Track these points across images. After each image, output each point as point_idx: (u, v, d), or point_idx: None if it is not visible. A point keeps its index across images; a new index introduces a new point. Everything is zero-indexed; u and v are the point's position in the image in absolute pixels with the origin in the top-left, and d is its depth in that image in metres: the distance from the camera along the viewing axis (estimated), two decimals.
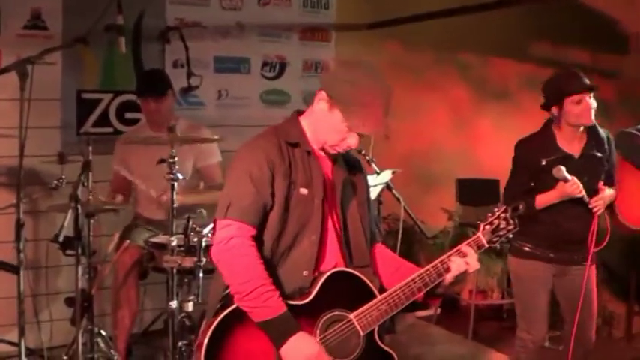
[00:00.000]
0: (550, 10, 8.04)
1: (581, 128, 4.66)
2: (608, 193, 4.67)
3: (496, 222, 3.37)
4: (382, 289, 3.30)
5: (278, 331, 3.03)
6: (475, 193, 7.74)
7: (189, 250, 4.72)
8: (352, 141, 3.22)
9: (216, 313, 3.11)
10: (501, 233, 3.38)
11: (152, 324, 5.82)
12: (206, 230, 4.73)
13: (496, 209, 3.40)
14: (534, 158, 4.62)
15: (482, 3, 6.80)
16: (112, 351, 5.03)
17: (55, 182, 4.84)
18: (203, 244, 4.67)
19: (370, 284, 3.25)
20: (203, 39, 6.60)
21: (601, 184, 4.67)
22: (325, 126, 3.22)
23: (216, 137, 5.36)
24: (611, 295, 6.37)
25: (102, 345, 4.98)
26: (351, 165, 3.47)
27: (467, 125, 8.20)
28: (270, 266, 3.13)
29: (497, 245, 3.42)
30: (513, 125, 8.17)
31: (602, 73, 4.68)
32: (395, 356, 3.26)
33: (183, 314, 4.83)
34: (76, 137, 5.98)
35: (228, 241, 3.07)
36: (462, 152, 8.01)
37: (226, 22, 6.81)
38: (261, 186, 3.13)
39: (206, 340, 3.01)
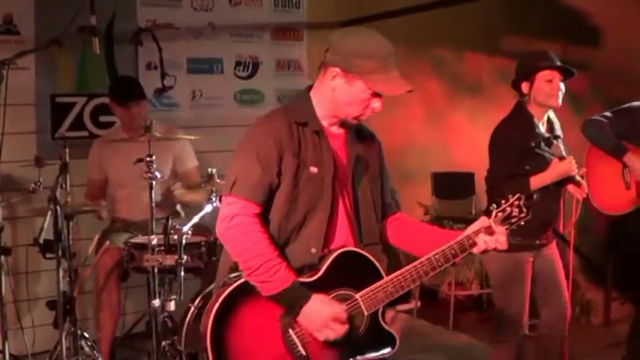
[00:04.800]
0: (521, 4, 8.11)
1: (545, 115, 4.67)
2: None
3: (508, 209, 3.35)
4: (413, 258, 3.29)
5: (291, 301, 3.08)
6: (450, 186, 7.79)
7: (170, 249, 4.73)
8: (377, 104, 3.23)
9: (225, 284, 3.19)
10: (513, 221, 3.36)
11: (134, 326, 5.82)
12: (186, 228, 4.74)
13: (510, 196, 3.36)
14: (519, 142, 4.55)
15: None
16: (95, 353, 5.02)
17: (33, 186, 4.83)
18: (183, 242, 4.68)
19: (378, 265, 3.27)
20: (175, 40, 6.61)
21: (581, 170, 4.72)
22: (346, 100, 3.23)
23: (191, 136, 5.37)
24: (588, 282, 6.43)
25: (86, 349, 4.97)
26: (364, 137, 3.47)
27: (441, 119, 8.25)
28: (279, 244, 3.18)
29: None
30: (487, 119, 8.15)
31: (573, 65, 4.70)
32: (397, 338, 3.28)
33: (165, 314, 4.84)
34: (52, 141, 5.95)
35: (232, 219, 3.11)
36: (437, 146, 8.06)
37: (198, 23, 6.83)
38: (267, 165, 3.16)
39: (216, 306, 3.05)
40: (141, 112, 5.55)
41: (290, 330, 3.11)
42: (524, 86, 4.61)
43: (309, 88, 3.38)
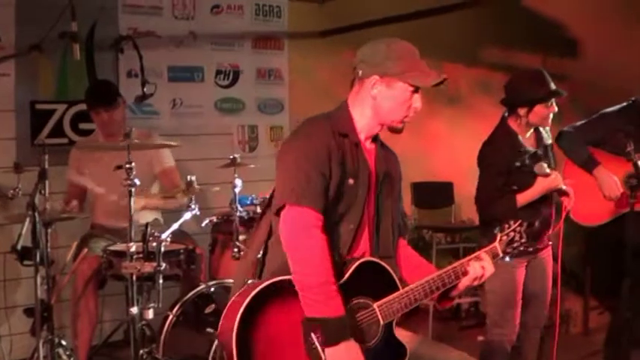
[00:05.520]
0: (500, 15, 8.15)
1: (532, 128, 4.78)
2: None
3: (512, 234, 3.56)
4: (402, 282, 3.39)
5: (332, 332, 3.06)
6: (430, 195, 7.83)
7: (149, 256, 4.72)
8: (418, 103, 3.37)
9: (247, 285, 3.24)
10: (515, 245, 3.57)
11: (112, 335, 5.78)
12: (164, 235, 4.73)
13: (512, 222, 3.58)
14: (505, 160, 4.67)
15: (433, 8, 6.89)
16: None
17: (12, 192, 4.81)
18: (162, 249, 4.67)
19: (395, 277, 3.33)
20: (156, 48, 6.62)
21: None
22: (390, 104, 3.33)
23: (172, 143, 5.36)
24: (567, 291, 6.46)
25: (63, 357, 4.93)
26: (389, 155, 3.56)
27: (420, 129, 8.26)
28: None
29: (508, 257, 3.66)
30: (466, 129, 8.29)
31: (552, 76, 4.76)
32: (407, 350, 3.34)
33: (143, 322, 4.81)
34: (31, 148, 5.93)
35: (310, 230, 3.10)
36: (417, 156, 8.07)
37: (179, 31, 6.84)
38: (325, 174, 3.18)
39: (246, 302, 3.03)
40: (113, 118, 5.53)
41: (312, 333, 3.09)
42: (522, 110, 4.68)
43: (346, 102, 3.44)
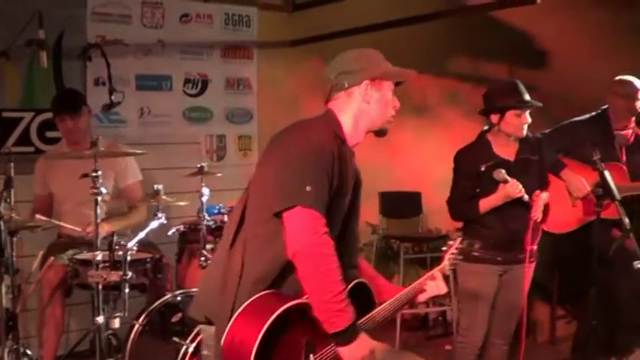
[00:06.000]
0: (467, 25, 8.19)
1: (512, 138, 4.89)
2: (543, 196, 4.88)
3: (454, 252, 3.78)
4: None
5: (351, 334, 3.09)
6: (398, 205, 7.84)
7: (115, 265, 4.70)
8: (397, 102, 3.46)
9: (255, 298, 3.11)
10: (454, 262, 3.80)
11: (78, 344, 5.74)
12: (131, 244, 4.72)
13: (454, 239, 3.82)
14: (473, 165, 4.84)
15: (402, 18, 6.92)
16: None
17: None
18: (128, 258, 4.65)
19: (374, 296, 3.42)
20: (124, 57, 6.60)
21: (537, 192, 4.86)
22: (380, 106, 3.41)
23: (138, 152, 5.35)
24: (534, 300, 6.50)
25: None
26: (356, 166, 3.55)
27: (389, 139, 8.19)
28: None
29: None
30: (433, 139, 8.32)
31: None
32: None
33: (109, 332, 4.79)
34: None
35: (322, 236, 3.05)
36: (385, 166, 8.08)
37: (148, 39, 6.83)
38: (330, 180, 3.15)
39: (269, 322, 2.97)
40: (77, 125, 5.52)
41: (311, 355, 3.10)
42: (494, 117, 4.85)
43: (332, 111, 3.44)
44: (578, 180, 5.28)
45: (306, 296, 3.09)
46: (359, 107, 3.38)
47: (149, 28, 6.84)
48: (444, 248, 3.79)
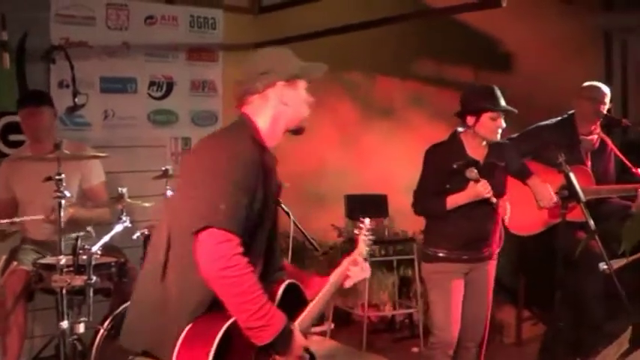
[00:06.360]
0: (433, 28, 8.23)
1: (484, 142, 4.94)
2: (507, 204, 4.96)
3: (367, 233, 3.75)
4: None
5: (285, 341, 3.10)
6: (364, 208, 7.80)
7: (79, 269, 4.66)
8: (311, 99, 3.42)
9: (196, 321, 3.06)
10: (369, 243, 3.77)
11: (42, 350, 5.68)
12: (95, 248, 4.68)
13: (364, 223, 3.79)
14: (444, 162, 4.86)
15: (368, 21, 6.92)
16: None
17: None
18: (93, 262, 4.62)
19: (305, 294, 3.41)
20: (89, 59, 6.54)
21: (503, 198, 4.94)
22: (297, 105, 3.36)
23: (102, 154, 5.30)
24: (500, 303, 6.53)
25: None
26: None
27: (354, 142, 8.29)
28: None
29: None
30: (399, 141, 8.34)
31: None
32: (316, 357, 3.41)
33: (74, 337, 4.75)
34: None
35: (231, 258, 2.96)
36: (350, 169, 8.09)
37: (112, 41, 6.78)
38: (247, 195, 3.07)
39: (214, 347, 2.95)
40: (40, 121, 5.47)
41: None
42: (470, 119, 4.87)
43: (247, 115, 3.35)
44: (545, 189, 5.30)
45: None
46: (275, 109, 3.32)
47: (113, 30, 6.78)
48: (356, 232, 3.77)
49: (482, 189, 4.76)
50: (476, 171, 4.76)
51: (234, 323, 3.01)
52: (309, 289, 3.50)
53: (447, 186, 4.85)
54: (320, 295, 3.44)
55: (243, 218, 3.03)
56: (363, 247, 3.72)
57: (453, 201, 4.83)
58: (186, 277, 3.07)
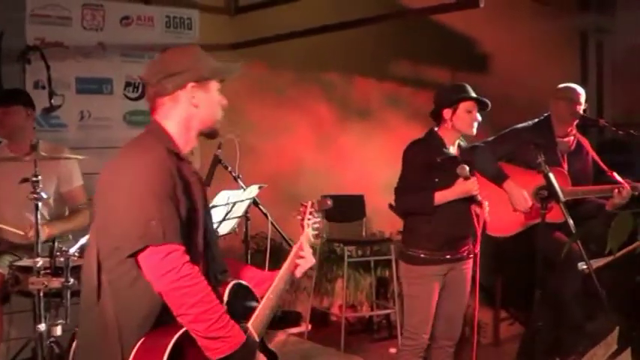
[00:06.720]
0: (409, 29, 8.24)
1: (458, 141, 4.96)
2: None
3: (311, 217, 3.57)
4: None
5: (245, 355, 3.04)
6: (341, 209, 7.81)
7: (56, 271, 4.63)
8: (224, 100, 3.30)
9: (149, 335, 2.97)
10: (316, 226, 3.58)
11: (19, 353, 5.64)
12: (72, 250, 4.65)
13: (306, 204, 3.62)
14: (425, 157, 4.87)
15: (342, 22, 6.93)
16: None
17: None
18: (70, 264, 4.58)
19: (255, 292, 3.32)
20: (64, 59, 6.49)
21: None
22: (210, 107, 3.24)
23: (79, 156, 5.26)
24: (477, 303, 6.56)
25: None
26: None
27: (331, 143, 8.29)
28: None
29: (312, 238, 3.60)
30: (376, 142, 8.35)
31: None
32: (277, 356, 3.35)
33: (51, 339, 4.72)
34: None
35: (181, 269, 2.90)
36: (327, 169, 8.09)
37: (88, 42, 6.73)
38: (173, 201, 2.99)
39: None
40: (12, 121, 5.38)
41: None
42: (447, 112, 4.89)
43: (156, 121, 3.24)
44: (520, 194, 5.33)
45: None
46: (187, 112, 3.19)
47: (89, 31, 6.74)
48: (299, 217, 3.58)
49: (471, 186, 4.77)
50: (467, 168, 4.77)
51: (185, 335, 2.93)
52: (259, 286, 3.39)
53: (436, 180, 4.83)
54: (270, 291, 3.32)
55: (178, 225, 2.96)
56: (309, 232, 3.54)
57: (442, 197, 4.81)
58: (125, 297, 2.99)
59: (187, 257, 2.93)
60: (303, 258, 3.46)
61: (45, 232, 4.87)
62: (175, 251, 2.91)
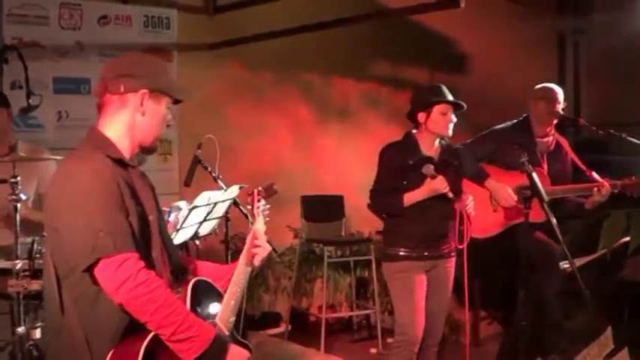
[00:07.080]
0: (388, 29, 8.25)
1: (437, 141, 5.00)
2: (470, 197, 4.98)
3: (259, 204, 3.52)
4: None
5: (218, 349, 3.01)
6: (320, 209, 7.83)
7: (35, 274, 4.58)
8: (170, 118, 3.21)
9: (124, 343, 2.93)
10: (267, 212, 3.53)
11: None
12: None
13: (253, 192, 3.56)
14: (399, 160, 4.94)
15: (321, 22, 6.92)
16: None
17: None
18: None
19: (217, 285, 3.30)
20: (42, 59, 6.45)
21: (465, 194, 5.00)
22: (154, 121, 3.14)
23: (58, 157, 5.22)
24: (456, 303, 6.56)
25: None
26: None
27: (310, 143, 8.29)
28: None
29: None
30: (355, 142, 8.35)
31: None
32: (250, 346, 3.30)
33: (30, 342, 4.68)
34: None
35: (137, 276, 2.83)
36: (306, 170, 8.08)
37: (66, 41, 6.70)
38: (122, 212, 2.92)
39: None
40: None
41: None
42: (421, 116, 4.94)
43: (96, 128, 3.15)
44: (504, 190, 5.37)
45: None
46: (131, 118, 3.08)
47: (67, 30, 6.70)
48: (248, 207, 3.56)
49: (438, 184, 4.81)
50: (432, 167, 4.82)
51: (155, 339, 2.89)
52: (220, 280, 3.36)
53: (404, 182, 4.89)
54: (232, 283, 3.28)
55: (129, 232, 2.91)
56: (261, 220, 3.48)
57: (411, 197, 4.88)
58: (92, 315, 2.94)
59: (142, 263, 2.88)
60: (260, 247, 3.39)
61: (22, 213, 4.79)
62: (129, 259, 2.85)
